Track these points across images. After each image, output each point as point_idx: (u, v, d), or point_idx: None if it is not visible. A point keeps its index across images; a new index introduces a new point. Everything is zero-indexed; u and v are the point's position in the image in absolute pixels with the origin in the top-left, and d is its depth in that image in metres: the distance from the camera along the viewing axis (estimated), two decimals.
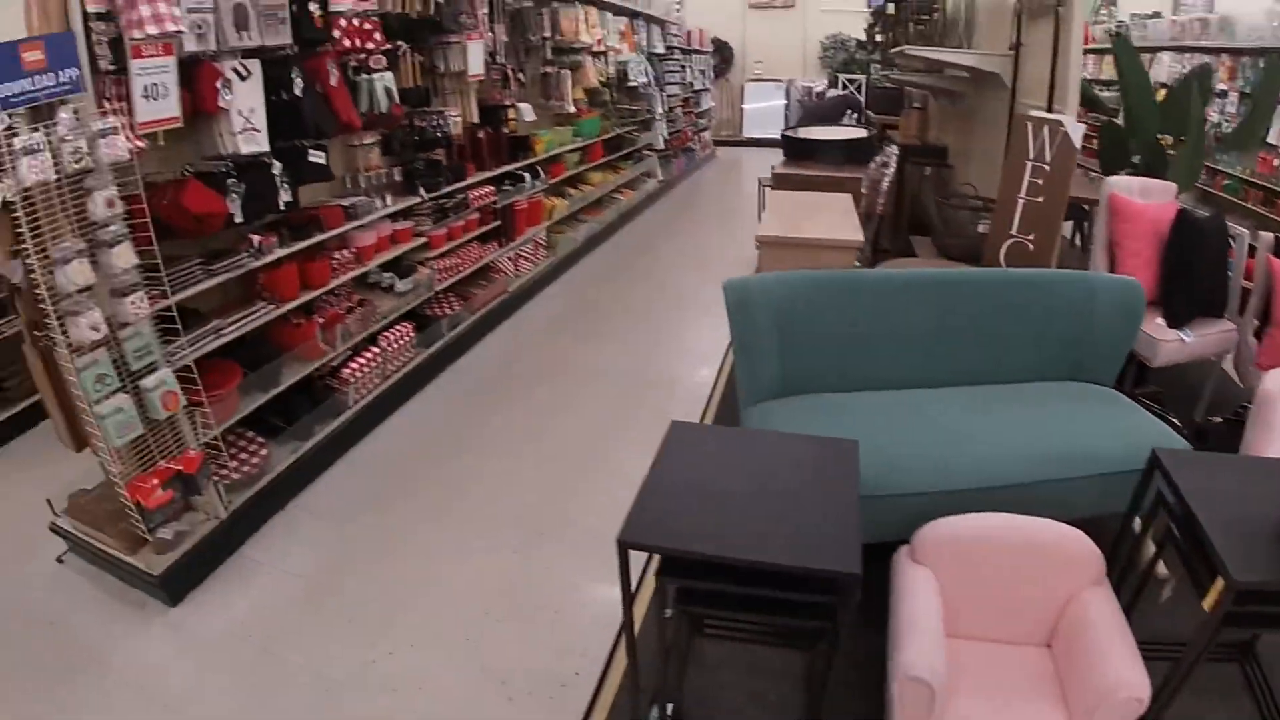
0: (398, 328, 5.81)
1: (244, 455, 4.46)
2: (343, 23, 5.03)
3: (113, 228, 3.19)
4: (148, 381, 3.68)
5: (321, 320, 5.02)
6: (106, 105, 3.21)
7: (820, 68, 17.51)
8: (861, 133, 9.17)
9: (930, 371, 3.69)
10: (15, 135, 2.86)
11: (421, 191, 5.70)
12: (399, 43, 5.57)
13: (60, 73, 3.14)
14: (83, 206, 3.09)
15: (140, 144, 3.37)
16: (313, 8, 4.67)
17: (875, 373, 3.68)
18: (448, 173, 5.92)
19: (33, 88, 3.04)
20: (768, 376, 3.62)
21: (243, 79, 4.30)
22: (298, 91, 4.59)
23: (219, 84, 4.11)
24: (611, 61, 10.79)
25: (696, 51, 15.54)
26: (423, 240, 6.03)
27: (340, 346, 5.19)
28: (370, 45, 5.28)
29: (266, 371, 4.70)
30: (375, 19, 5.28)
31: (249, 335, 4.43)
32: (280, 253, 4.58)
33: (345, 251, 5.21)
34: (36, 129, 2.92)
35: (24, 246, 2.94)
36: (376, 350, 5.54)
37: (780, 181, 6.98)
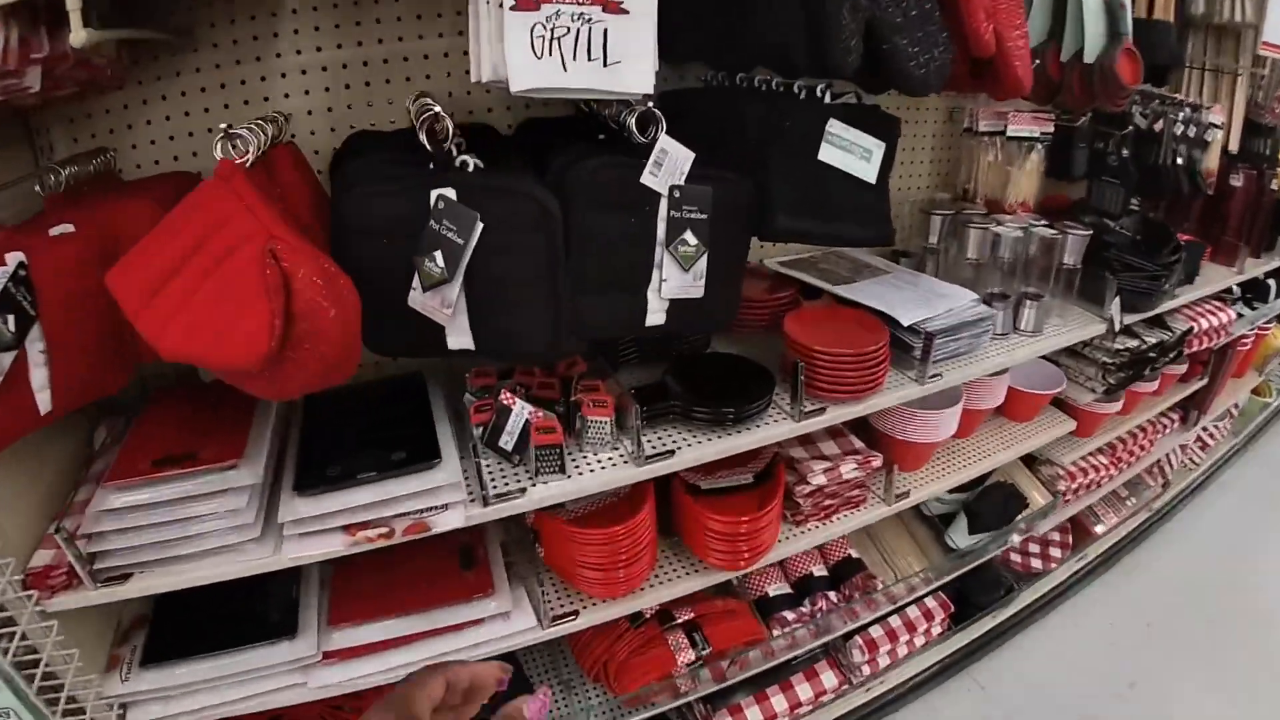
0: (912, 610, 1.83)
1: None
2: None
3: None
4: None
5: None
6: None
7: None
8: None
9: None
10: None
11: (1115, 310, 1.49)
12: None
13: None
14: None
15: None
16: None
17: None
18: (1179, 262, 1.55)
19: None
20: None
21: None
22: None
23: None
24: None
25: None
26: (1065, 428, 1.89)
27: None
28: None
29: None
30: None
31: None
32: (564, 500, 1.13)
33: (846, 463, 1.51)
34: None
35: None
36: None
37: None
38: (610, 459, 1.18)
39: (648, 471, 1.17)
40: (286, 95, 1.25)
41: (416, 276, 0.94)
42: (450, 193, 0.91)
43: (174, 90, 1.21)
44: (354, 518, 1.05)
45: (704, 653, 1.53)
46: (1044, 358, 1.92)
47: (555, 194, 0.95)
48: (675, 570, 1.44)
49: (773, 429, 1.26)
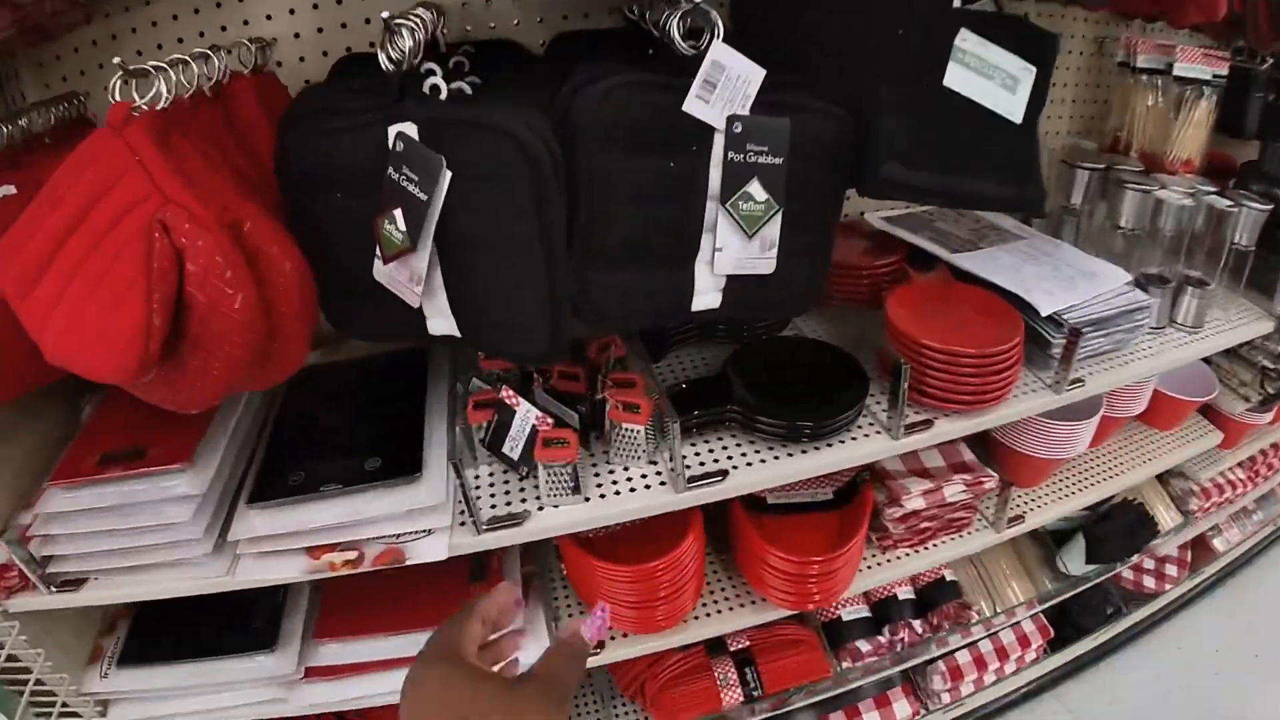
0: (1007, 634, 1.48)
1: None
2: None
3: None
4: None
5: None
6: None
7: None
8: None
9: None
10: None
11: None
12: None
13: None
14: None
15: None
16: None
17: None
18: None
19: None
20: None
21: None
22: None
23: None
24: None
25: None
26: (1210, 441, 1.46)
27: None
28: None
29: None
30: None
31: None
32: None
33: (952, 484, 1.22)
34: None
35: None
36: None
37: None
38: (644, 475, 0.91)
39: (691, 499, 0.88)
40: (269, 17, 0.99)
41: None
42: (410, 129, 0.63)
43: (144, 21, 0.98)
44: (317, 539, 0.81)
45: (754, 693, 1.26)
46: None
47: (560, 127, 0.66)
48: (727, 597, 1.16)
49: (860, 447, 0.95)
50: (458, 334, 0.75)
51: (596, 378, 0.92)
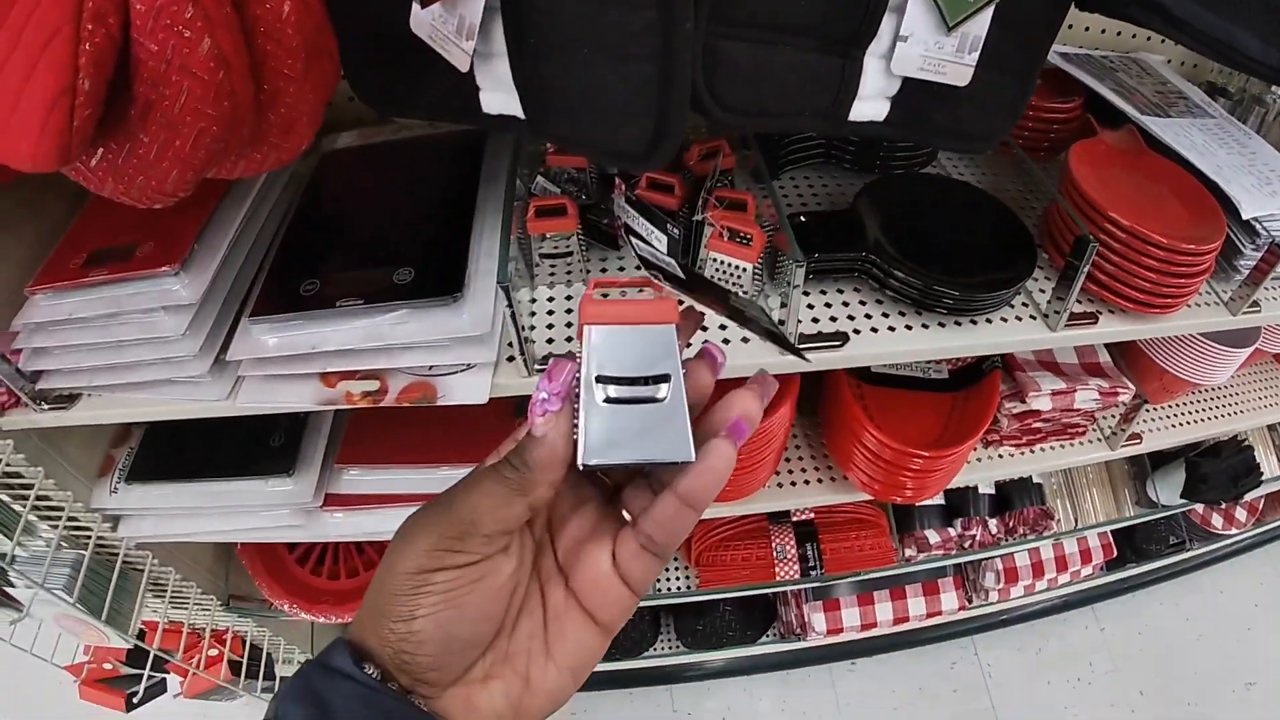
0: (1070, 544, 1.43)
1: None
2: None
3: None
4: None
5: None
6: None
7: None
8: None
9: None
10: None
11: None
12: None
13: None
14: None
15: None
16: None
17: None
18: None
19: None
20: None
21: None
22: None
23: None
24: None
25: None
26: None
27: None
28: None
29: None
30: None
31: None
32: None
33: (1086, 389, 1.03)
34: None
35: None
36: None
37: None
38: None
39: (796, 362, 0.68)
40: None
41: None
42: None
43: None
44: (331, 363, 0.64)
45: (811, 570, 1.13)
46: None
47: None
48: (805, 469, 1.00)
49: (1009, 332, 0.72)
50: (521, 115, 0.52)
51: (698, 193, 0.69)
